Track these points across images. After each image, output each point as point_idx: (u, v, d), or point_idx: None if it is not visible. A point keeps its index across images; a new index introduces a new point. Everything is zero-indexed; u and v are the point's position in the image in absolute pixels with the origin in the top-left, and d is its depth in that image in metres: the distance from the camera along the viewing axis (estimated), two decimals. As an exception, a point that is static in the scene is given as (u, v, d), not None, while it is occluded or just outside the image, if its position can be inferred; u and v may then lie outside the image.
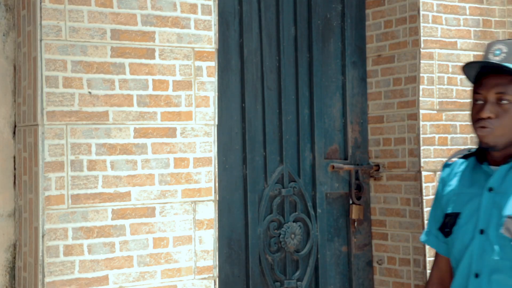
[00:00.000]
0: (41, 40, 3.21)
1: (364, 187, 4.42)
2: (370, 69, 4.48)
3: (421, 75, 4.18)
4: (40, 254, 3.17)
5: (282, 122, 4.21)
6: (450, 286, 2.41)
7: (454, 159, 2.49)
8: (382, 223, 4.40)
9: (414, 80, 4.21)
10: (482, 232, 2.31)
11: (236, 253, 4.05)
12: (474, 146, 2.55)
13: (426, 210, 4.15)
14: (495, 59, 2.27)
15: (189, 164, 3.50)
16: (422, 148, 4.18)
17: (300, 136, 4.27)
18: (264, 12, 4.20)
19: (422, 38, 4.19)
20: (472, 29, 4.36)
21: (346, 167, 4.38)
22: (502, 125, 2.28)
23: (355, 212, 4.39)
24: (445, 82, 4.25)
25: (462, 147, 4.31)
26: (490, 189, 2.32)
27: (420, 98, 4.18)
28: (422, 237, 2.56)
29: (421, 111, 4.18)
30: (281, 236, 4.17)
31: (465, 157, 2.46)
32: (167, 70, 3.48)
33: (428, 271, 4.12)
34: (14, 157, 3.42)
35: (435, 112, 4.22)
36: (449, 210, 2.42)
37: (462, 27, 4.33)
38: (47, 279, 3.17)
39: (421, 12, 4.19)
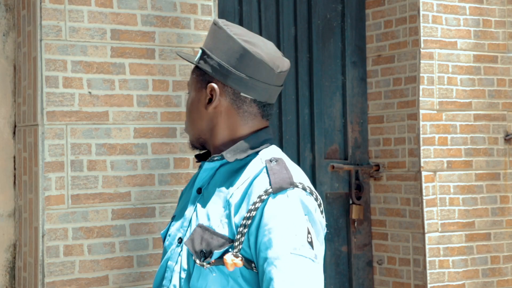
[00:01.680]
0: (41, 40, 3.21)
1: (364, 187, 4.42)
2: (370, 69, 4.47)
3: (421, 75, 4.18)
4: (40, 254, 3.17)
5: (282, 122, 4.21)
6: None
7: None
8: (382, 223, 4.40)
9: (414, 80, 4.21)
10: (180, 241, 1.94)
11: (236, 253, 4.05)
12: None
13: (426, 210, 4.15)
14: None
15: (189, 164, 3.50)
16: (422, 148, 4.18)
17: (300, 136, 4.27)
18: (264, 12, 4.20)
19: (422, 38, 4.19)
20: (472, 29, 4.36)
21: (346, 167, 4.37)
22: (188, 118, 1.99)
23: (355, 212, 4.39)
24: (445, 82, 4.25)
25: (462, 147, 4.31)
26: (199, 190, 1.95)
27: (420, 98, 4.18)
28: None
29: (421, 111, 4.18)
30: (281, 236, 4.15)
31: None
32: (167, 70, 3.48)
33: (428, 271, 4.13)
34: (14, 157, 3.42)
35: (435, 112, 4.22)
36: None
37: (462, 27, 4.33)
38: (47, 279, 3.16)
39: (421, 12, 4.19)
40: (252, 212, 1.79)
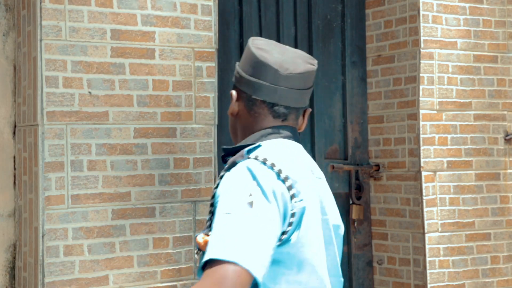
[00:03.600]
0: (41, 40, 3.21)
1: (364, 187, 4.42)
2: (370, 69, 4.48)
3: (421, 75, 4.18)
4: (40, 254, 3.17)
5: (282, 122, 4.20)
6: None
7: None
8: (382, 223, 4.40)
9: (414, 80, 4.21)
10: None
11: (236, 253, 4.04)
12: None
13: (426, 210, 4.15)
14: None
15: (189, 164, 3.50)
16: (422, 148, 4.18)
17: (300, 136, 4.27)
18: (264, 12, 4.20)
19: (422, 38, 4.19)
20: (472, 29, 4.36)
21: (346, 167, 4.37)
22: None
23: (355, 212, 4.39)
24: (445, 82, 4.25)
25: (462, 147, 4.31)
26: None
27: (420, 98, 4.18)
28: None
29: (421, 111, 4.18)
30: (281, 236, 4.15)
31: None
32: (167, 70, 3.48)
33: (428, 271, 4.13)
34: (14, 157, 3.42)
35: (435, 112, 4.22)
36: None
37: (462, 27, 4.33)
38: (47, 279, 3.16)
39: (421, 12, 4.19)
40: (214, 190, 1.90)
